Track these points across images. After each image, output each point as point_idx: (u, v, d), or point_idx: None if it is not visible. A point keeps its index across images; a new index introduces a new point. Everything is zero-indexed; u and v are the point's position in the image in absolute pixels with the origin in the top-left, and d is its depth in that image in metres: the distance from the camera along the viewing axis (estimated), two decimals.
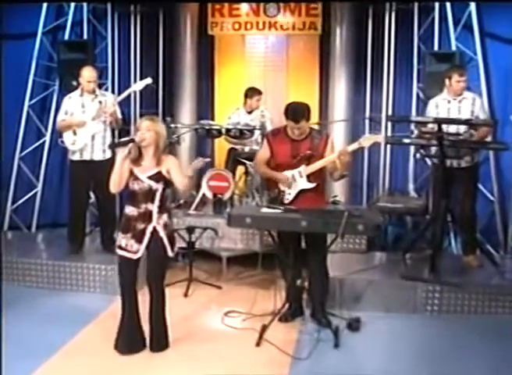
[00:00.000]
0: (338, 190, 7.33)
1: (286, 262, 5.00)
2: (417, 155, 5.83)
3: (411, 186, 7.30)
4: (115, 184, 4.27)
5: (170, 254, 4.36)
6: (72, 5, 7.19)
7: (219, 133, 6.83)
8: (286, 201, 4.92)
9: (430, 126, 5.45)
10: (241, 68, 8.02)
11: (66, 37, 7.25)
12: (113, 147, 4.52)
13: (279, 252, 5.13)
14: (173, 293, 5.63)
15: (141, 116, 7.75)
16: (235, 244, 6.27)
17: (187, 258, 6.09)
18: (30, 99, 7.14)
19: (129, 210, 4.32)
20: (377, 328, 4.98)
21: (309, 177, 4.89)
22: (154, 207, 4.28)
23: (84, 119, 5.88)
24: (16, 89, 6.91)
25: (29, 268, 5.83)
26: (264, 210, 4.67)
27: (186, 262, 6.11)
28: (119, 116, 6.02)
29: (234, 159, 7.10)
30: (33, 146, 7.26)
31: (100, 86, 6.30)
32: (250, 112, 7.18)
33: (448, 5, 6.74)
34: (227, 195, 6.63)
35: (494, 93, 6.54)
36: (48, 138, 7.23)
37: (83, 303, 5.43)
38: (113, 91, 7.29)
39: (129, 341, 4.43)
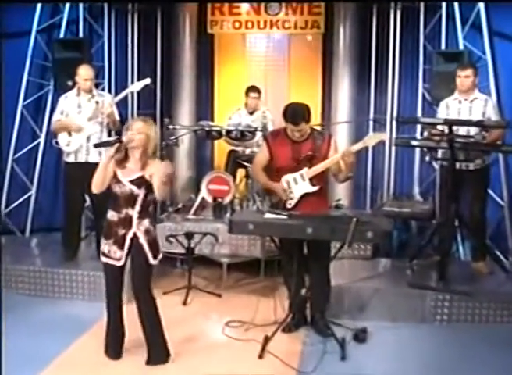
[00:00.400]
0: (341, 193, 7.13)
1: (289, 270, 4.82)
2: (427, 158, 5.63)
3: (417, 189, 7.11)
4: (97, 185, 4.08)
5: (152, 262, 4.15)
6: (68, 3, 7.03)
7: (219, 134, 6.65)
8: (289, 206, 4.72)
9: (440, 127, 5.27)
10: (241, 68, 7.84)
11: (62, 35, 7.08)
12: (99, 146, 4.37)
13: (282, 259, 4.94)
14: (172, 301, 5.50)
15: (139, 116, 7.62)
16: (236, 250, 6.06)
17: (186, 264, 5.90)
18: (25, 99, 6.99)
19: (110, 215, 4.15)
20: (384, 339, 4.78)
21: (312, 180, 4.71)
22: (134, 212, 4.09)
23: (80, 120, 5.74)
24: (9, 89, 6.72)
25: (22, 275, 5.66)
26: (268, 216, 4.47)
27: (185, 268, 5.93)
28: (117, 117, 5.86)
29: (234, 162, 6.92)
30: (28, 148, 7.09)
31: (96, 86, 6.13)
32: (251, 113, 7.03)
33: (456, 3, 6.55)
34: (227, 199, 6.43)
35: (502, 93, 6.35)
36: (42, 140, 7.07)
37: (78, 312, 5.25)
38: (110, 91, 7.11)
39: (115, 349, 4.32)
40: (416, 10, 6.99)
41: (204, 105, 7.95)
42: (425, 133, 5.36)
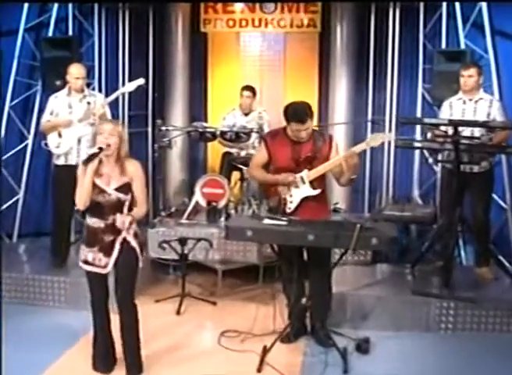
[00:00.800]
0: (338, 196, 6.94)
1: (288, 277, 4.63)
2: (430, 160, 5.45)
3: (416, 192, 6.94)
4: (84, 201, 3.86)
5: (140, 265, 4.02)
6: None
7: (214, 136, 6.44)
8: (288, 211, 4.52)
9: (443, 128, 5.10)
10: (236, 67, 7.65)
11: (50, 34, 6.88)
12: (88, 162, 3.87)
13: (281, 266, 4.75)
14: (165, 310, 5.31)
15: (130, 118, 7.49)
16: (231, 255, 5.83)
17: (179, 270, 5.72)
18: (12, 100, 6.80)
19: (93, 222, 3.93)
20: (387, 349, 4.62)
21: (312, 183, 4.52)
22: (117, 219, 3.87)
23: (70, 120, 5.56)
24: None
25: (9, 283, 5.46)
26: (266, 222, 4.26)
27: (178, 275, 5.74)
28: (109, 118, 5.63)
29: (229, 164, 6.73)
30: (15, 150, 6.90)
31: (87, 86, 5.91)
32: (246, 114, 6.84)
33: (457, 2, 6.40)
34: (222, 203, 6.21)
35: (504, 93, 6.19)
36: (30, 141, 6.87)
37: (68, 321, 5.05)
38: (100, 92, 6.90)
39: (105, 362, 4.14)
40: (415, 8, 6.82)
41: (198, 106, 7.77)
42: (429, 135, 5.17)
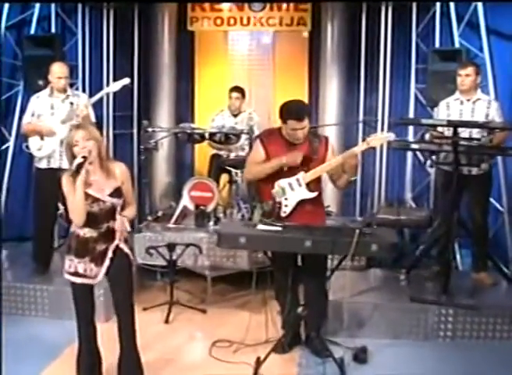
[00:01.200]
0: (329, 199, 6.71)
1: (282, 284, 4.44)
2: (428, 162, 5.29)
3: (409, 195, 6.80)
4: (82, 216, 3.61)
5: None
6: None
7: (202, 137, 6.26)
8: (283, 215, 4.33)
9: (439, 129, 4.95)
10: (223, 67, 7.51)
11: (32, 32, 6.67)
12: (76, 175, 3.60)
13: (274, 272, 4.58)
14: (152, 318, 5.11)
15: (115, 118, 7.28)
16: (221, 261, 5.64)
17: (167, 277, 5.52)
18: None
19: (85, 231, 3.69)
20: (385, 358, 4.46)
21: (309, 186, 4.34)
22: (116, 224, 3.71)
23: (54, 122, 5.35)
24: None
25: None
26: (260, 227, 4.07)
27: (166, 281, 5.54)
28: (93, 119, 5.48)
29: (218, 167, 6.57)
30: None
31: (70, 86, 5.71)
32: (235, 115, 6.67)
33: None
34: (211, 207, 6.02)
35: (499, 93, 6.06)
36: (11, 144, 6.66)
37: (51, 332, 4.84)
38: (84, 92, 6.69)
39: None
40: (408, 7, 6.70)
41: (184, 107, 7.62)
42: (427, 136, 5.01)
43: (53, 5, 6.77)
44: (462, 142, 4.64)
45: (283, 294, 4.47)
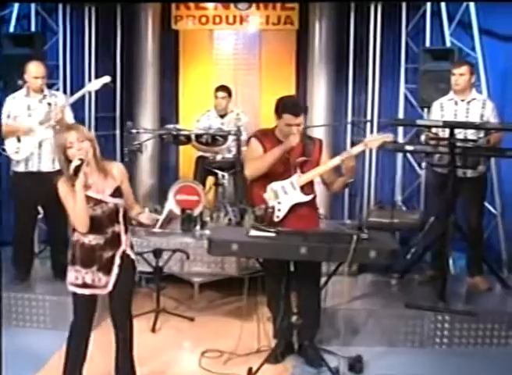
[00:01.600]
0: (318, 202, 6.60)
1: (274, 291, 4.28)
2: (423, 164, 5.15)
3: (399, 197, 6.68)
4: (86, 222, 3.45)
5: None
6: None
7: (188, 139, 6.08)
8: (277, 220, 4.16)
9: (434, 130, 4.81)
10: (209, 66, 7.38)
11: (11, 30, 6.47)
12: (74, 179, 3.45)
13: (266, 279, 4.40)
14: (139, 327, 4.70)
15: (97, 120, 7.08)
16: (208, 267, 5.47)
17: (152, 283, 5.33)
18: None
19: (91, 239, 3.52)
20: (381, 366, 4.30)
21: (303, 189, 4.20)
22: (121, 227, 3.57)
23: (31, 124, 5.13)
24: None
25: None
26: (253, 233, 3.88)
27: (152, 287, 5.34)
28: (71, 120, 5.22)
29: (204, 169, 6.38)
30: None
31: (50, 86, 5.58)
32: (222, 116, 6.49)
33: None
34: (197, 211, 5.84)
35: (491, 93, 5.96)
36: None
37: (32, 343, 4.63)
38: (65, 93, 6.49)
39: None
40: (398, 6, 6.60)
41: (168, 107, 7.48)
42: (423, 137, 4.87)
43: (33, 3, 6.58)
44: (458, 144, 4.51)
45: (276, 301, 4.30)
